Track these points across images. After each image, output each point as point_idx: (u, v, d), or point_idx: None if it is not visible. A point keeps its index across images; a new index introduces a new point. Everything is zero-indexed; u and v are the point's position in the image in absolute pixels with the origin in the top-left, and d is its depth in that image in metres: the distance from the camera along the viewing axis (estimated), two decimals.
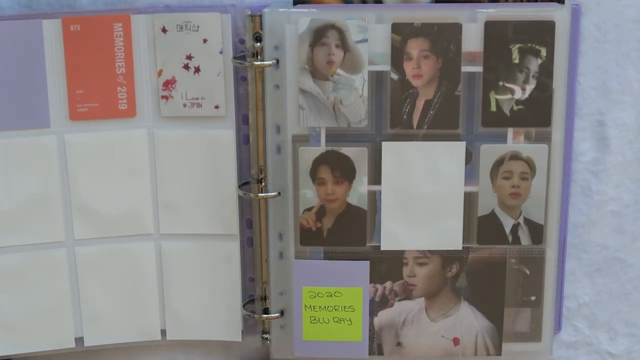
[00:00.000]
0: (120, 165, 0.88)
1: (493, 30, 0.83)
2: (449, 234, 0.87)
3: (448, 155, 0.85)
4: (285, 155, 0.86)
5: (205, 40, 0.85)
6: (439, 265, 0.88)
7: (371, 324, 0.89)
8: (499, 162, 0.85)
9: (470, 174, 0.86)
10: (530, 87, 0.84)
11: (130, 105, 0.87)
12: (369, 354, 0.90)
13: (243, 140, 0.88)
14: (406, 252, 0.88)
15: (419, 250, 0.87)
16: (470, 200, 0.86)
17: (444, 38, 0.83)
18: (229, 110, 0.87)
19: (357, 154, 0.86)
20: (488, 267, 0.88)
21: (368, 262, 0.88)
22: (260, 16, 0.84)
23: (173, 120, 0.87)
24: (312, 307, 0.89)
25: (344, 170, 0.86)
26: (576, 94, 0.88)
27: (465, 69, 0.84)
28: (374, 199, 0.86)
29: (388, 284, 0.89)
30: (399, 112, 0.85)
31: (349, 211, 0.87)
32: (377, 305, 0.89)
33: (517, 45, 0.83)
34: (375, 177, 0.86)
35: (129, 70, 0.86)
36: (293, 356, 0.91)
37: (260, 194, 0.87)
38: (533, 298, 0.89)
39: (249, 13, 0.84)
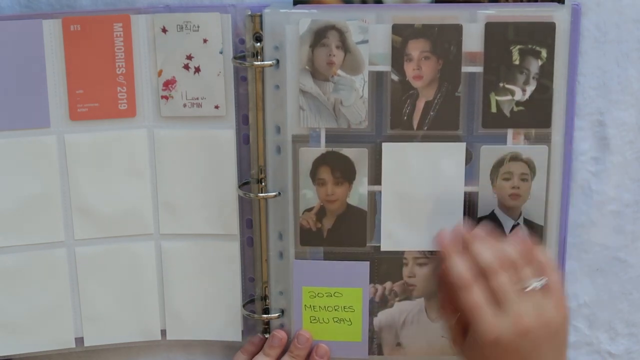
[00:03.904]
0: (120, 165, 0.88)
1: (493, 31, 0.83)
2: None
3: (448, 156, 0.85)
4: (285, 155, 0.86)
5: (205, 40, 0.85)
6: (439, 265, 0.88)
7: (371, 324, 0.89)
8: (499, 163, 0.85)
9: (470, 174, 0.86)
10: (530, 89, 0.84)
11: (130, 105, 0.87)
12: (369, 354, 0.90)
13: (243, 140, 0.88)
14: (406, 253, 0.87)
15: (418, 251, 0.87)
16: (470, 201, 0.86)
17: (445, 39, 0.83)
18: (229, 110, 0.87)
19: (357, 154, 0.86)
20: None
21: (368, 262, 0.88)
22: (261, 16, 0.84)
23: (173, 120, 0.87)
24: (312, 307, 0.89)
25: (344, 171, 0.86)
26: (576, 94, 0.88)
27: (465, 69, 0.84)
28: (374, 199, 0.86)
29: (388, 285, 0.89)
30: (399, 113, 0.84)
31: (349, 212, 0.87)
32: (377, 305, 0.89)
33: (518, 47, 0.83)
34: (376, 177, 0.86)
35: (129, 70, 0.86)
36: None
37: (260, 194, 0.87)
38: None
39: (249, 13, 0.84)
